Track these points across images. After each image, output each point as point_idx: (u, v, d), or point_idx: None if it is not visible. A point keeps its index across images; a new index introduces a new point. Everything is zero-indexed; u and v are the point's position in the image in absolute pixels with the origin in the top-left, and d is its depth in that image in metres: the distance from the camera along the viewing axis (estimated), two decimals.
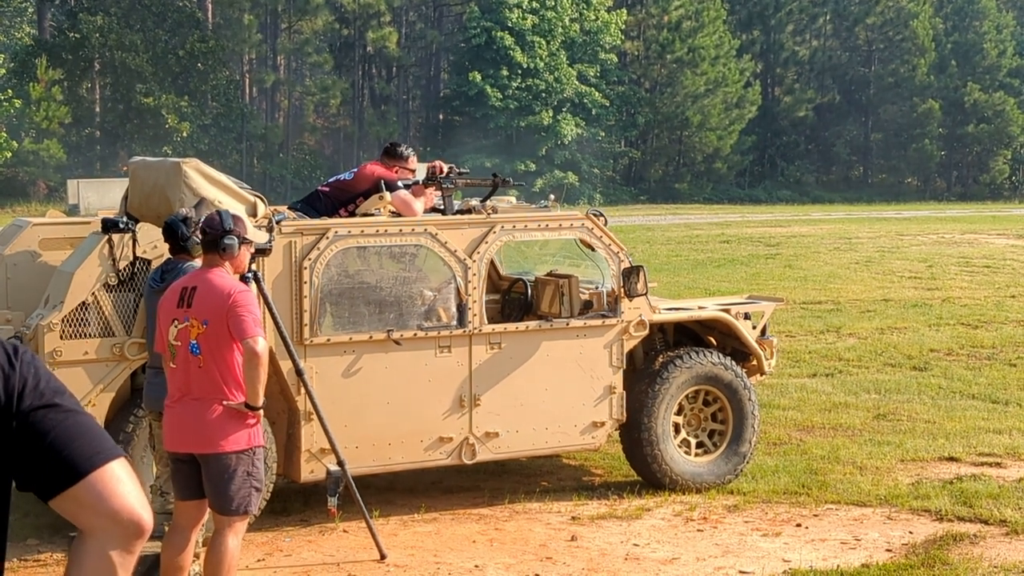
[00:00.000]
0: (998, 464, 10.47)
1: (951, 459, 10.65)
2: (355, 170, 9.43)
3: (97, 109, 52.46)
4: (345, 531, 8.62)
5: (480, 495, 9.57)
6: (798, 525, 8.82)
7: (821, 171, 66.80)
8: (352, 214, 9.05)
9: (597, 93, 57.10)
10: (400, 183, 9.12)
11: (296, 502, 9.25)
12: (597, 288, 9.63)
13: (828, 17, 68.11)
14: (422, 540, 8.48)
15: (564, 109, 55.96)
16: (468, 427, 8.95)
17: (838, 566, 7.80)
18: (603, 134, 58.03)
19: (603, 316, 9.37)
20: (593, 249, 9.42)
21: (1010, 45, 65.97)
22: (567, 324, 9.26)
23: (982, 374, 14.63)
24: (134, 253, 8.18)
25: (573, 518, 8.97)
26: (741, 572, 7.78)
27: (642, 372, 9.64)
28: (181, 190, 8.05)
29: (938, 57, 65.10)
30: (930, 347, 16.50)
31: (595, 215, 9.49)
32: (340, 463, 7.95)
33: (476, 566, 7.92)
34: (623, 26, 58.72)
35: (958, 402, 13.07)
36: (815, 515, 9.07)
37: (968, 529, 8.62)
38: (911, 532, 8.61)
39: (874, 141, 67.17)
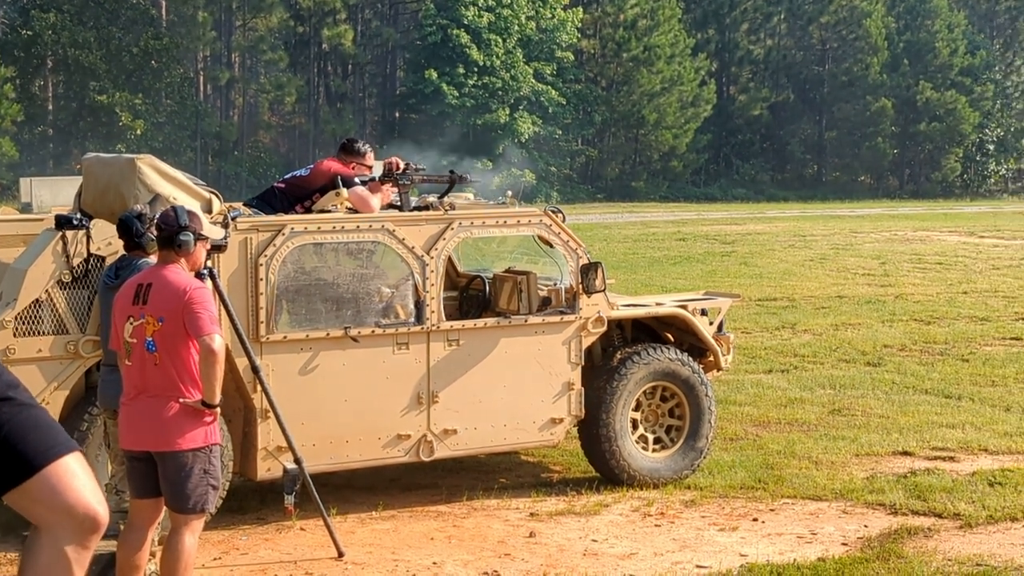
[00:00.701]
0: (951, 458, 10.55)
1: (905, 453, 10.72)
2: (311, 166, 9.39)
3: (50, 107, 52.00)
4: (302, 529, 8.59)
5: (438, 492, 9.56)
6: (755, 519, 8.86)
7: (776, 169, 67.13)
8: (308, 210, 9.01)
9: (554, 91, 57.14)
10: (357, 179, 9.08)
11: (253, 500, 9.21)
12: (555, 285, 9.64)
13: (782, 16, 68.47)
14: (380, 538, 8.46)
15: (521, 107, 55.98)
16: (426, 424, 8.93)
17: (794, 560, 7.83)
18: (560, 132, 58.09)
19: (561, 313, 9.38)
20: (551, 246, 9.43)
21: (961, 44, 66.49)
22: (525, 321, 9.26)
23: (935, 369, 14.74)
24: (88, 250, 8.11)
25: (531, 514, 8.98)
26: (698, 567, 7.81)
27: (600, 368, 9.65)
28: (135, 186, 8.00)
29: (891, 56, 65.54)
30: (884, 343, 16.62)
31: (553, 212, 9.50)
32: (297, 461, 7.91)
33: (434, 563, 7.91)
34: (579, 24, 58.82)
35: (911, 397, 13.16)
36: (771, 509, 9.11)
37: (922, 523, 8.68)
38: (866, 526, 8.67)
39: (828, 139, 67.57)
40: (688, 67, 61.36)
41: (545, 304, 9.53)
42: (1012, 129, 68.40)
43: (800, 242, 32.30)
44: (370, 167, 9.44)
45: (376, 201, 9.03)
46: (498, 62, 54.61)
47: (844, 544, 8.28)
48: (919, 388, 13.64)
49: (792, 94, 68.13)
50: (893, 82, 65.21)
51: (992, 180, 68.26)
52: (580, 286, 9.29)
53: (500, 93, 54.88)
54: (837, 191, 63.48)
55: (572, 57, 59.47)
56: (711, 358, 10.20)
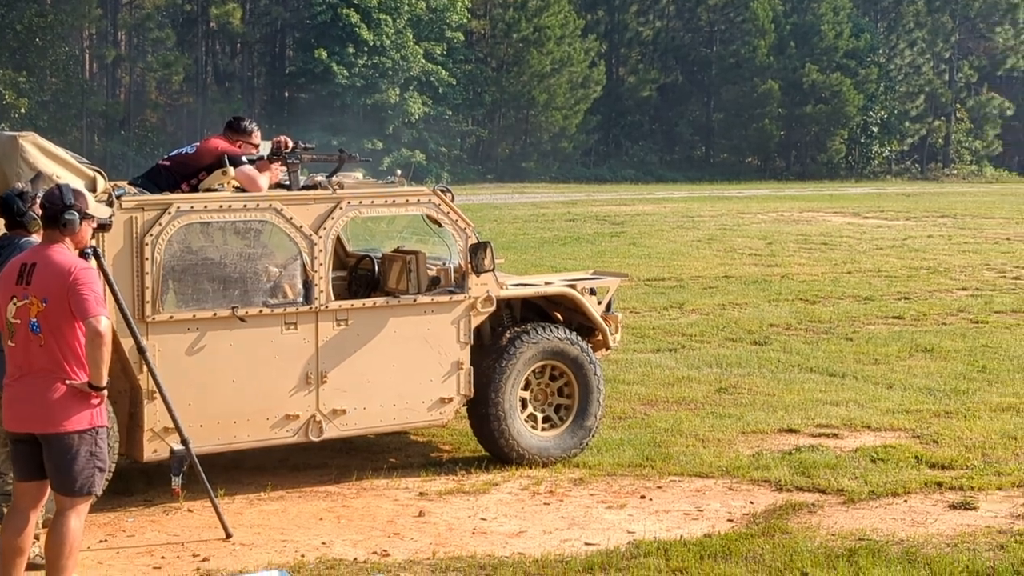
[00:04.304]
0: (835, 435, 10.75)
1: (790, 431, 10.90)
2: (197, 144, 9.27)
3: None
4: (190, 511, 8.51)
5: (327, 473, 9.53)
6: (642, 497, 8.96)
7: (665, 150, 67.63)
8: (195, 189, 8.90)
9: (444, 71, 56.98)
10: (244, 158, 8.99)
11: (139, 482, 9.10)
12: (444, 264, 9.64)
13: None
14: (268, 518, 8.41)
15: (411, 87, 55.75)
16: (315, 405, 8.89)
17: (681, 536, 7.94)
18: (450, 112, 57.98)
19: (450, 292, 9.38)
20: (440, 225, 9.43)
21: (847, 27, 67.47)
22: (414, 300, 9.25)
23: (819, 348, 15.00)
24: None
25: (421, 494, 8.99)
26: (587, 544, 7.88)
27: (489, 348, 9.68)
28: (18, 164, 7.85)
29: (777, 38, 66.30)
30: (770, 322, 16.87)
31: (442, 191, 9.49)
32: (184, 442, 7.84)
33: (323, 543, 7.89)
34: (469, 4, 58.68)
35: (796, 375, 13.38)
36: (659, 487, 9.22)
37: (806, 499, 8.85)
38: (752, 502, 8.81)
39: (716, 121, 68.22)
40: (578, 48, 61.55)
41: (434, 284, 9.53)
42: (895, 111, 69.62)
43: (688, 223, 32.63)
44: (257, 145, 9.36)
45: (264, 180, 8.94)
46: (388, 42, 54.29)
47: (730, 520, 8.41)
48: (804, 366, 13.87)
49: (681, 76, 68.67)
50: (780, 64, 66.00)
51: (876, 162, 69.44)
52: (469, 266, 9.30)
53: (390, 73, 54.58)
54: (725, 172, 64.15)
55: (462, 37, 59.34)
56: (600, 337, 10.27)
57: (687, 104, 68.78)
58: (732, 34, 67.98)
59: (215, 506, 7.97)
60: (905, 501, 8.77)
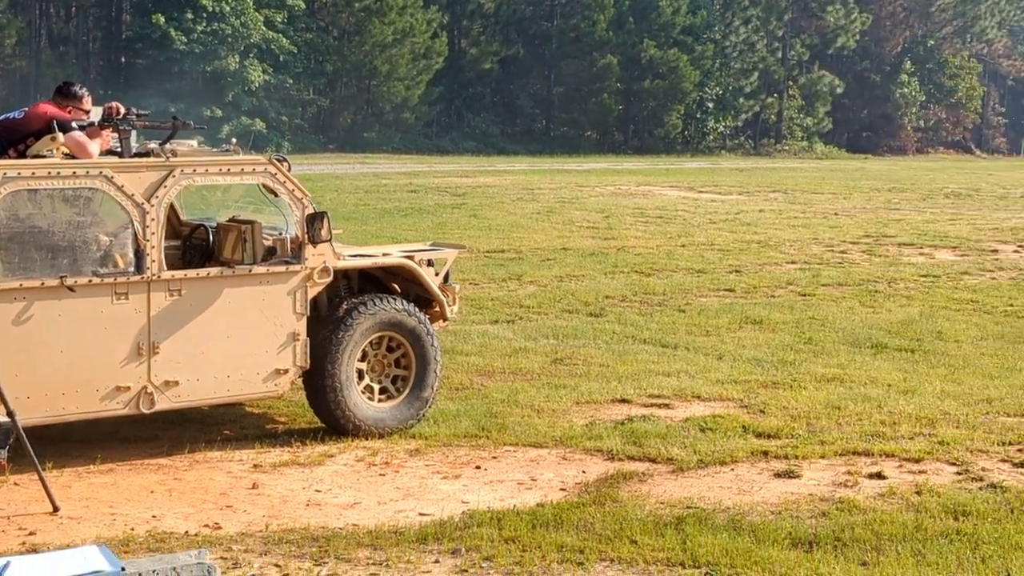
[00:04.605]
0: (667, 405, 10.96)
1: (623, 401, 11.07)
2: (26, 109, 9.02)
3: None
4: (16, 484, 8.32)
5: (159, 445, 9.39)
6: (477, 467, 9.03)
7: (506, 123, 67.84)
8: (22, 155, 8.67)
9: (285, 39, 56.26)
10: (75, 124, 8.79)
11: None
12: (281, 234, 9.55)
13: None
14: (97, 491, 8.27)
15: (251, 55, 54.94)
16: (146, 376, 8.76)
17: (514, 506, 8.02)
18: (291, 81, 57.31)
19: (286, 263, 9.31)
20: (276, 195, 9.34)
21: (684, 3, 68.36)
22: (249, 271, 9.16)
23: (653, 319, 15.26)
24: None
25: (255, 466, 8.93)
26: (421, 514, 7.92)
27: (326, 319, 9.64)
28: None
29: (616, 13, 66.90)
30: (606, 294, 17.09)
31: (278, 160, 9.40)
32: (10, 414, 7.67)
33: (154, 516, 7.79)
34: None
35: (631, 346, 13.59)
36: (494, 457, 9.30)
37: (637, 468, 9.01)
38: (584, 472, 8.94)
39: (556, 95, 68.63)
40: (420, 19, 61.29)
41: (270, 254, 9.44)
42: (730, 88, 70.87)
43: (528, 195, 32.83)
44: (87, 111, 9.15)
45: (95, 147, 8.75)
46: (228, 8, 53.37)
47: (563, 489, 8.52)
48: (638, 338, 14.09)
49: (522, 49, 68.89)
50: (619, 39, 66.63)
51: (711, 137, 70.65)
52: (306, 236, 9.24)
53: (230, 40, 53.68)
54: (565, 145, 64.62)
55: (303, 5, 58.57)
56: (437, 308, 10.30)
57: (528, 77, 69.06)
58: (572, 8, 68.36)
59: (42, 479, 7.81)
60: (732, 470, 8.99)
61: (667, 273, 19.30)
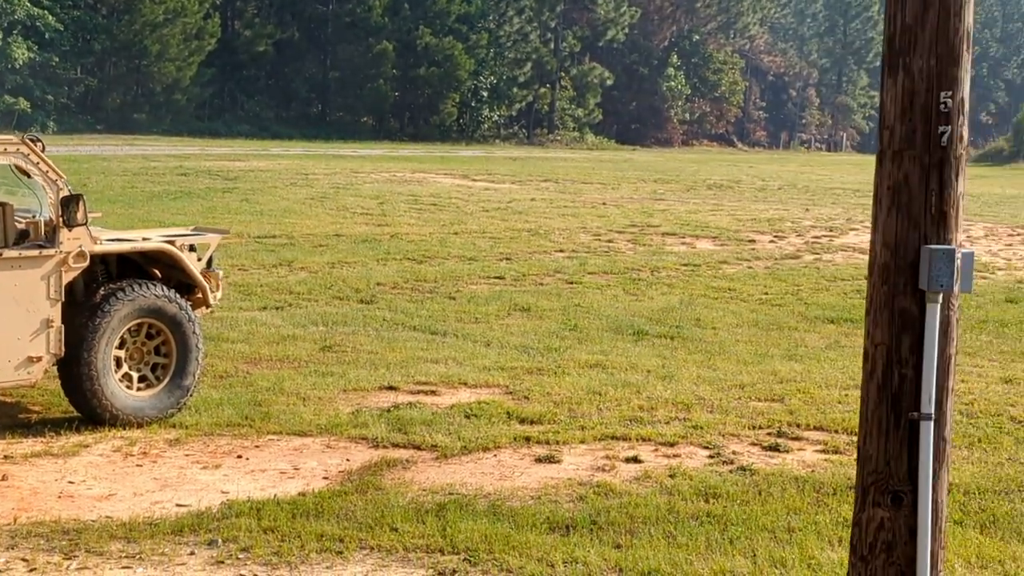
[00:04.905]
0: (433, 392, 11.00)
1: (390, 388, 11.07)
2: None
3: None
4: None
5: None
6: (239, 457, 8.91)
7: (281, 107, 67.12)
8: None
9: (51, 16, 54.48)
10: None
11: None
12: (34, 217, 9.25)
13: None
14: None
15: (15, 31, 52.98)
16: None
17: (275, 496, 7.94)
18: (57, 59, 55.51)
19: (40, 247, 9.01)
20: (29, 176, 9.03)
21: None
22: (0, 255, 8.84)
23: (424, 307, 15.31)
24: None
25: (5, 457, 8.62)
26: (178, 505, 7.77)
27: (82, 305, 9.37)
28: None
29: (392, 0, 66.86)
30: (377, 281, 17.08)
31: (32, 140, 9.09)
32: None
33: None
34: None
35: (400, 333, 13.61)
36: (257, 446, 9.19)
37: (402, 455, 9.01)
38: (348, 460, 8.91)
39: (332, 79, 68.21)
40: None
41: (23, 237, 9.13)
42: (504, 77, 71.56)
43: (302, 180, 32.55)
44: None
45: None
46: None
47: (326, 478, 8.48)
48: (408, 325, 14.11)
49: (297, 32, 68.21)
50: (394, 26, 66.58)
51: (486, 126, 71.22)
52: (60, 219, 8.96)
53: None
54: (341, 131, 64.30)
55: None
56: (200, 295, 10.13)
57: (304, 61, 68.44)
58: None
59: None
60: (495, 456, 9.08)
61: (439, 260, 19.38)
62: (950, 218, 4.37)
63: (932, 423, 4.37)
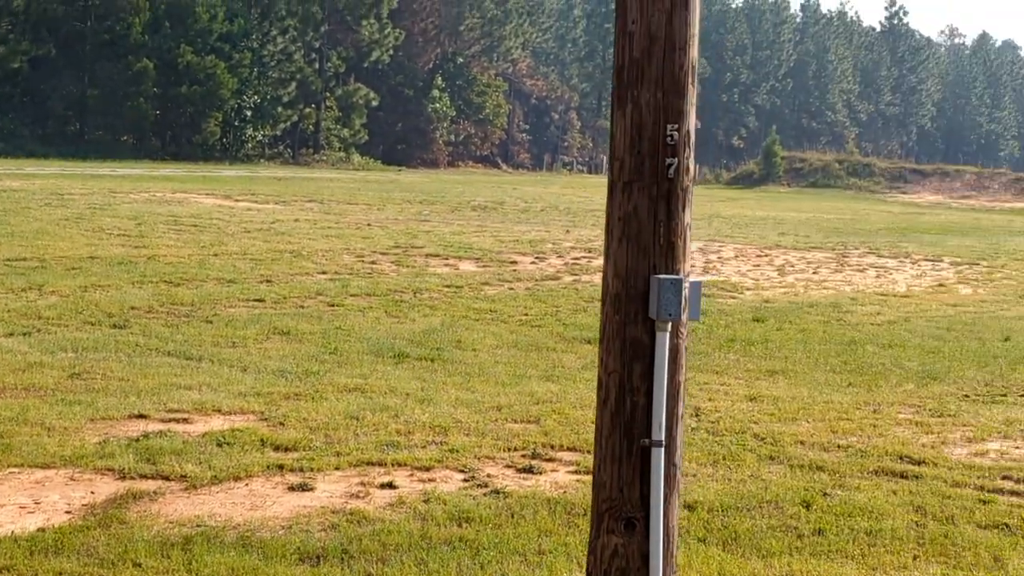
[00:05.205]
0: (185, 420, 10.73)
1: (140, 416, 10.75)
2: None
3: None
4: None
5: None
6: None
7: (37, 124, 65.08)
8: None
9: None
10: None
11: None
12: None
13: None
14: None
15: None
16: None
17: (12, 532, 7.63)
18: None
19: None
20: None
21: (221, 10, 67.88)
22: None
23: (179, 331, 14.99)
24: None
25: None
26: None
27: None
28: None
29: (153, 17, 65.60)
30: (131, 304, 16.65)
31: None
32: None
33: None
34: None
35: (154, 359, 13.28)
36: None
37: (149, 486, 8.76)
38: (93, 492, 8.62)
39: (91, 97, 66.48)
40: None
41: None
42: (268, 96, 70.86)
43: (57, 200, 31.58)
44: None
45: None
46: None
47: (68, 512, 8.18)
48: (162, 350, 13.79)
49: (54, 49, 66.27)
50: (155, 44, 65.31)
51: (250, 145, 70.38)
52: None
53: None
54: (100, 150, 62.67)
55: None
56: None
57: (60, 78, 66.51)
58: (107, 9, 66.44)
59: None
60: (246, 485, 8.91)
61: (197, 283, 19.02)
62: (678, 248, 4.49)
63: (663, 449, 4.47)
